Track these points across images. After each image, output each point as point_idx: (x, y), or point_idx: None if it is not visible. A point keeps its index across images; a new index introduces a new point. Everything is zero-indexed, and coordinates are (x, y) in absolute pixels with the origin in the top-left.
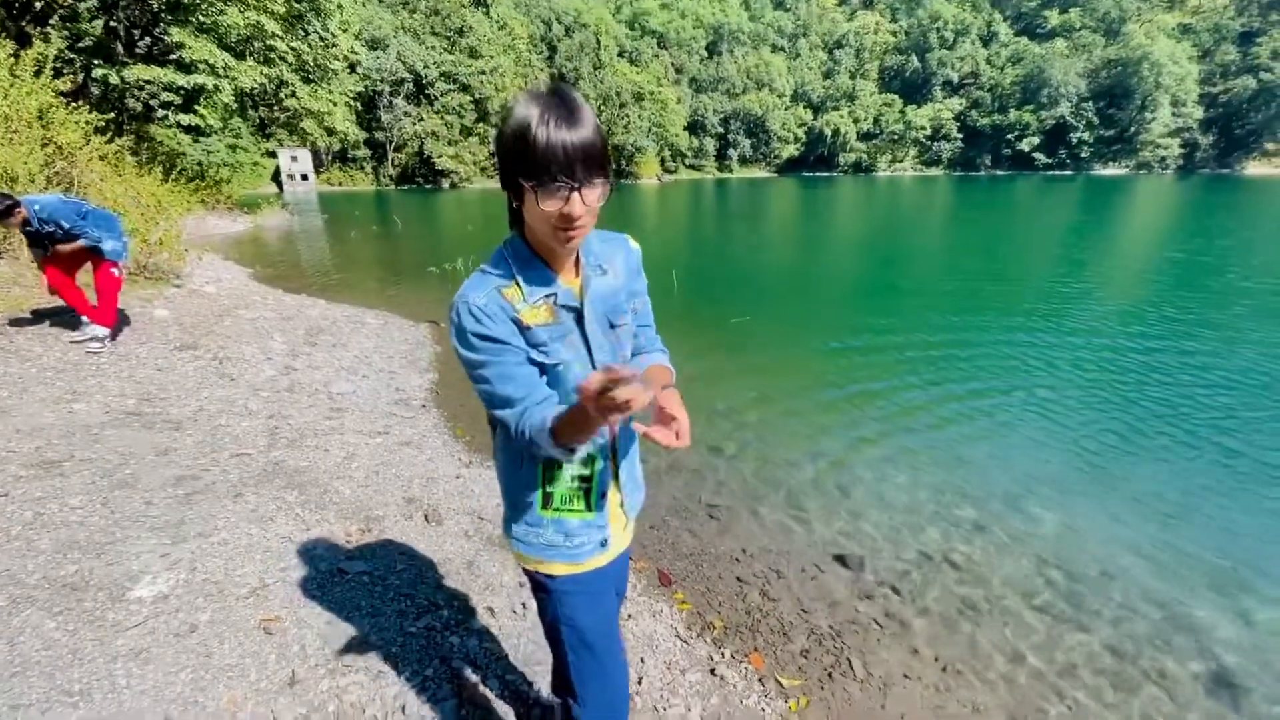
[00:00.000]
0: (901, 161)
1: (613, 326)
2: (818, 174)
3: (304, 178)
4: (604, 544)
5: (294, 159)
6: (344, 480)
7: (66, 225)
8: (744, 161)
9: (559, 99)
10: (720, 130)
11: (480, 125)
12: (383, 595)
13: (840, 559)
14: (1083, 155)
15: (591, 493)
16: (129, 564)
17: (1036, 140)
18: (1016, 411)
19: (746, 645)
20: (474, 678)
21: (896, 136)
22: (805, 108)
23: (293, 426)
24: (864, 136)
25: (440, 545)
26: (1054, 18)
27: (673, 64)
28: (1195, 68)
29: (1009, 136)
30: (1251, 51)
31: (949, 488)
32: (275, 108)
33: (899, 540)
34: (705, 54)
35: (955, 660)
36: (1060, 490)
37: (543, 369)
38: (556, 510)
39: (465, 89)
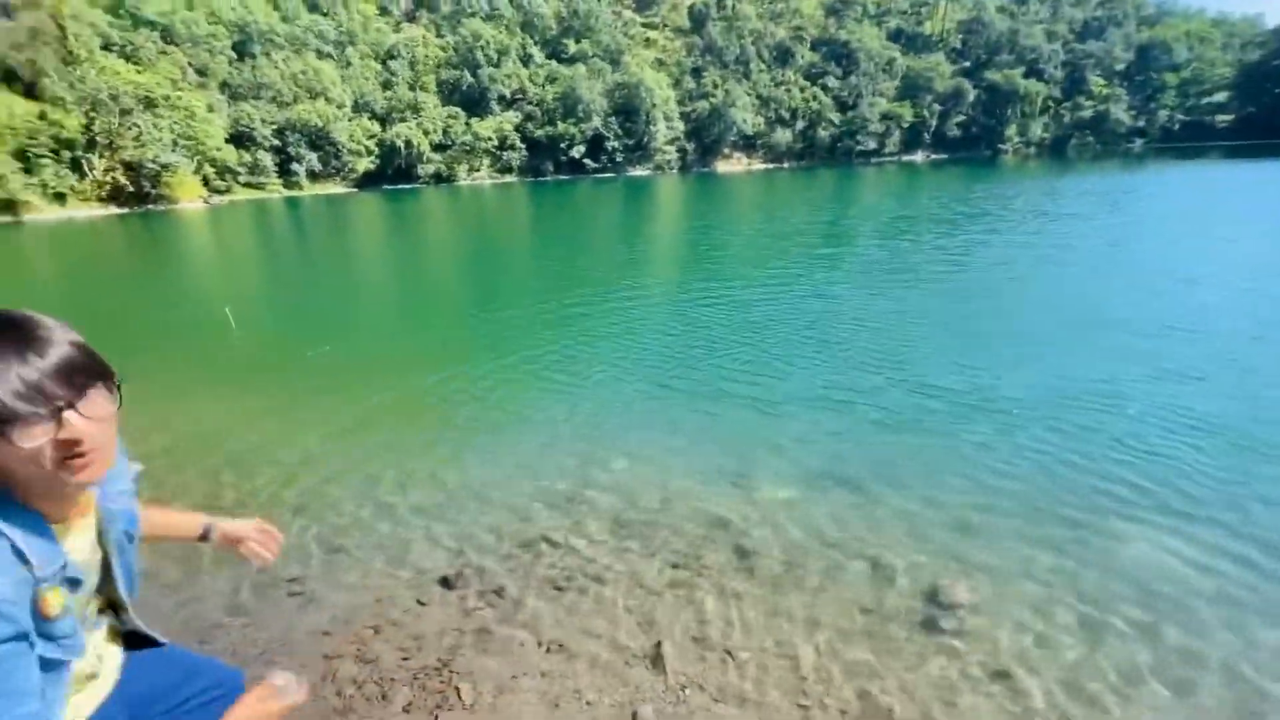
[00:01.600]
0: (478, 170)
1: (131, 540)
2: (399, 186)
3: None
4: None
5: None
6: None
7: None
8: (314, 177)
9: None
10: (277, 143)
11: None
12: None
13: (444, 581)
14: (618, 160)
15: None
16: None
17: (583, 149)
18: (610, 384)
19: None
20: None
21: (469, 147)
22: (371, 119)
23: None
24: (438, 148)
25: None
26: (573, 45)
27: (190, 64)
28: (672, 92)
29: (562, 145)
30: (701, 82)
31: (545, 472)
32: None
33: (499, 539)
34: (235, 55)
35: (556, 637)
36: (634, 446)
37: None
38: None
39: None
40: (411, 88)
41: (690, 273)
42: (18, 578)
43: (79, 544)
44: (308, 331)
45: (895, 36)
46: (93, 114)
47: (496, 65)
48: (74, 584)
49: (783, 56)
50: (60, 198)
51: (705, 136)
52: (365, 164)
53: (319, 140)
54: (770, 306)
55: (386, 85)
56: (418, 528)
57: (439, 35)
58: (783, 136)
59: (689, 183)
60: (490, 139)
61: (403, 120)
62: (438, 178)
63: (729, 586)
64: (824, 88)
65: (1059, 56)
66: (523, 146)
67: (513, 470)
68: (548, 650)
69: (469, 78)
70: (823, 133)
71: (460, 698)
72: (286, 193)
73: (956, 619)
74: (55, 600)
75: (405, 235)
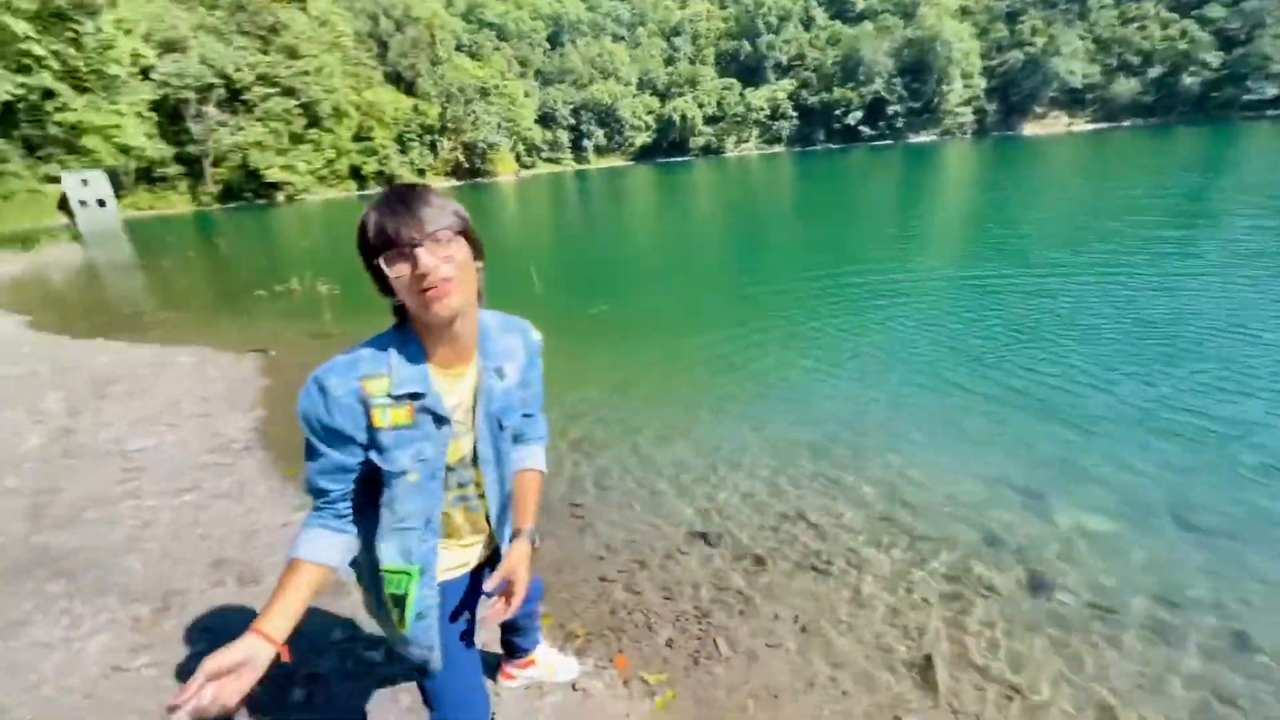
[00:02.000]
0: (747, 141)
1: (501, 428)
2: (672, 159)
3: (101, 204)
4: (420, 617)
5: (84, 183)
6: (135, 554)
7: None
8: (600, 151)
9: (394, 191)
10: (572, 121)
11: (313, 131)
12: (173, 687)
13: (703, 537)
14: (899, 126)
15: (406, 613)
16: None
17: (860, 115)
18: (867, 369)
19: (611, 648)
20: None
21: (739, 118)
22: (652, 95)
23: (66, 500)
24: (710, 120)
25: (255, 609)
26: (860, 2)
27: (515, 57)
28: (976, 44)
29: (836, 112)
30: (1017, 29)
31: (805, 449)
32: (45, 123)
33: (758, 508)
34: (548, 45)
35: (815, 619)
36: (904, 437)
37: (377, 471)
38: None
39: (289, 92)
40: (691, 61)
41: (982, 252)
42: (358, 390)
43: (454, 389)
44: (592, 290)
45: None
46: (446, 104)
47: (776, 32)
48: (431, 414)
49: None
50: (420, 173)
51: (1013, 94)
52: (643, 138)
53: (606, 117)
54: (1092, 299)
55: (669, 61)
56: (678, 481)
57: (722, 7)
58: (1125, 87)
59: (986, 148)
60: (762, 108)
61: (680, 95)
62: (706, 150)
63: (1018, 616)
64: (1201, 19)
65: None
66: (794, 115)
67: (771, 442)
68: (804, 630)
69: (747, 47)
70: (1189, 80)
71: (718, 649)
72: (576, 166)
73: None
74: (393, 416)
75: (675, 204)
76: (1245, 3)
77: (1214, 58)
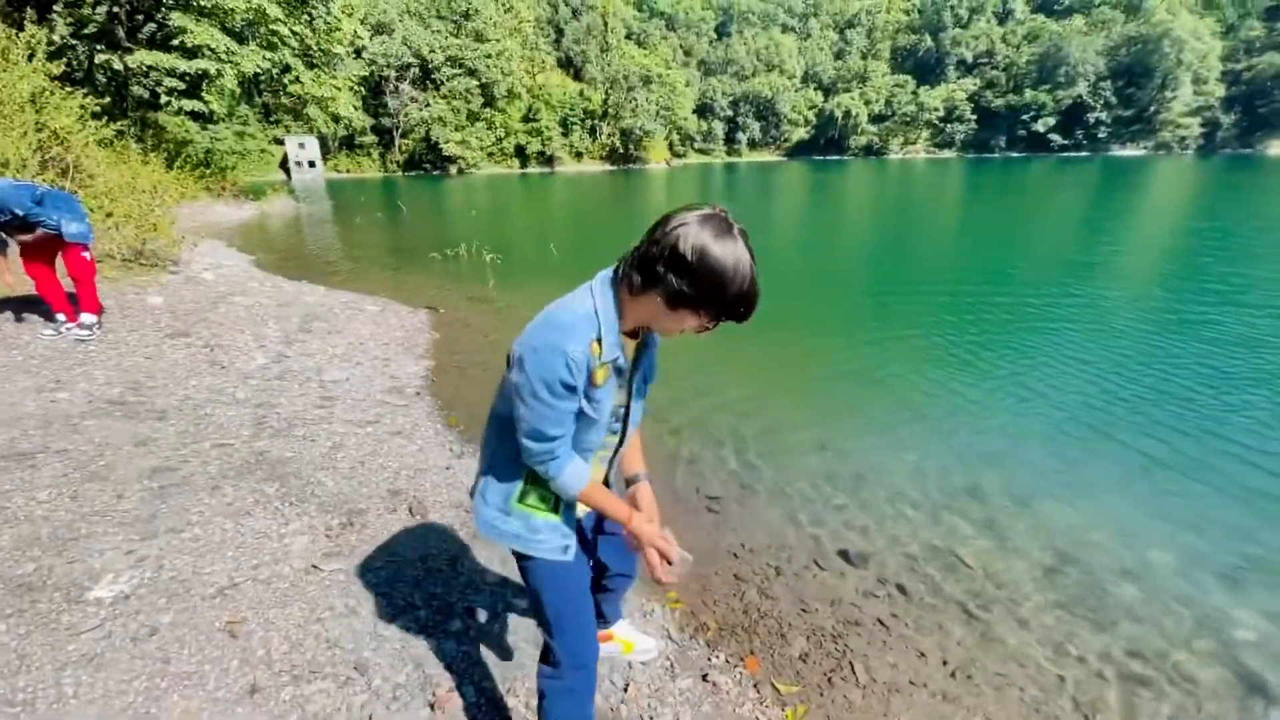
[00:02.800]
0: (914, 144)
1: (646, 383)
2: (828, 157)
3: (311, 165)
4: (566, 550)
5: (301, 146)
6: (328, 471)
7: (20, 212)
8: (753, 145)
9: (748, 243)
10: (729, 113)
11: (487, 110)
12: (358, 595)
13: (844, 554)
14: (1100, 136)
15: (560, 503)
16: (91, 561)
17: (1052, 121)
18: (1032, 405)
19: (743, 648)
20: (448, 684)
21: (909, 118)
22: (816, 89)
23: (280, 415)
24: (875, 119)
25: (423, 540)
26: None
27: (681, 46)
28: (1219, 44)
29: (1024, 117)
30: (1278, 28)
31: (959, 481)
32: (280, 93)
33: (906, 535)
34: (714, 35)
35: (965, 665)
36: (1074, 487)
37: (579, 414)
38: (529, 506)
39: (472, 73)
40: (864, 56)
41: (1183, 290)
42: (588, 352)
43: (628, 351)
44: None
45: None
46: (610, 90)
47: (965, 26)
48: (619, 372)
49: None
50: (579, 155)
51: (1260, 104)
52: (800, 133)
53: (764, 110)
54: None
55: (839, 55)
56: (821, 492)
57: None
58: None
59: (1212, 167)
60: (936, 109)
61: (846, 90)
62: (868, 150)
63: (1221, 715)
64: None
65: None
66: (972, 118)
67: (920, 469)
68: (952, 674)
69: (928, 42)
70: None
71: (855, 674)
72: (727, 158)
73: None
74: (602, 375)
75: (827, 204)
76: None
77: None
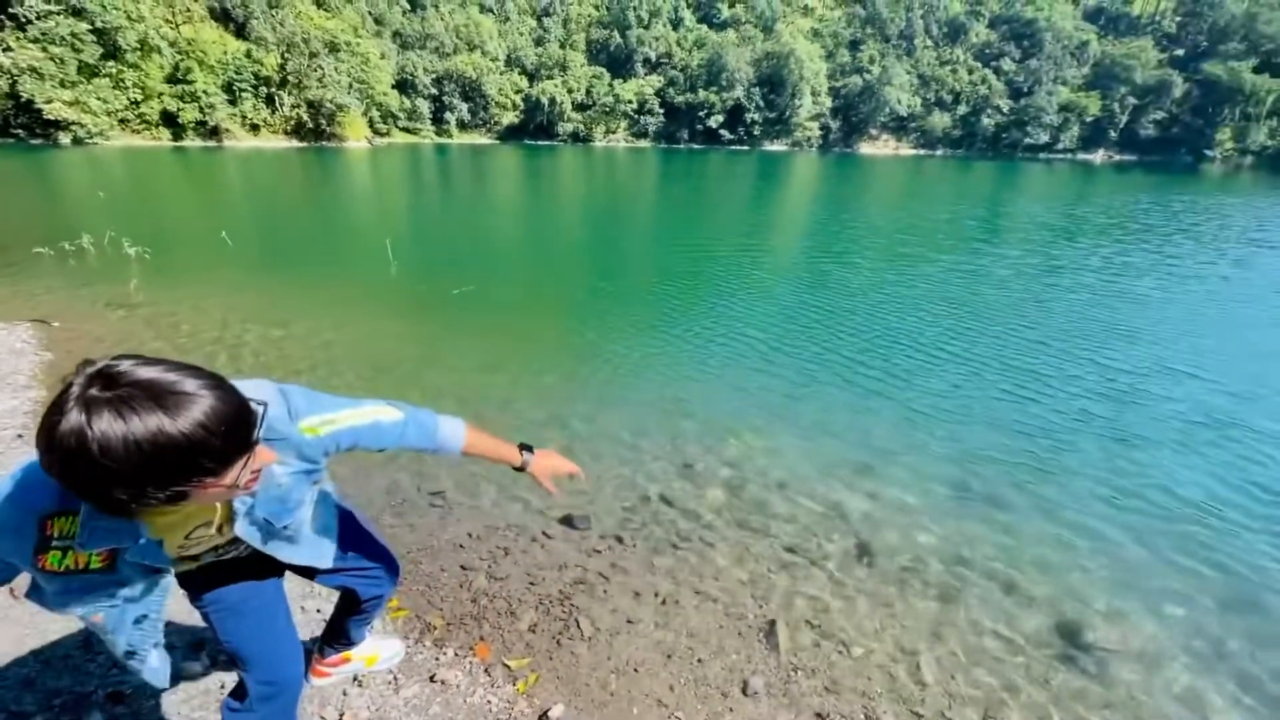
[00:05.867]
0: (615, 133)
1: (276, 530)
2: (540, 142)
3: None
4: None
5: None
6: None
7: None
8: (463, 126)
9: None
10: (434, 92)
11: (111, 64)
12: None
13: (567, 520)
14: (755, 133)
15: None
16: None
17: (721, 118)
18: (711, 358)
19: (472, 636)
20: None
21: (608, 109)
22: (520, 74)
23: None
24: (579, 107)
25: (32, 625)
26: (725, 10)
27: (370, 13)
28: (824, 65)
29: (700, 114)
30: (858, 56)
31: (660, 432)
32: None
33: (620, 491)
34: (407, 6)
35: (672, 592)
36: (747, 422)
37: None
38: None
39: (78, 13)
40: (562, 45)
41: (825, 257)
42: (30, 528)
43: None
44: (453, 269)
45: (1094, 16)
46: (287, 55)
47: (646, 26)
48: (135, 566)
49: (954, 33)
50: (255, 129)
51: (853, 115)
52: (510, 117)
53: (471, 92)
54: (912, 301)
55: (539, 42)
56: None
57: None
58: (939, 121)
59: (828, 162)
60: (630, 102)
61: (549, 77)
62: (575, 136)
63: (848, 580)
64: (997, 70)
65: None
66: (660, 112)
67: (631, 428)
68: (663, 603)
69: (618, 38)
70: (987, 120)
71: (580, 630)
72: (437, 139)
73: (1096, 663)
74: (59, 560)
75: (542, 188)
76: (1029, 60)
77: (1005, 104)
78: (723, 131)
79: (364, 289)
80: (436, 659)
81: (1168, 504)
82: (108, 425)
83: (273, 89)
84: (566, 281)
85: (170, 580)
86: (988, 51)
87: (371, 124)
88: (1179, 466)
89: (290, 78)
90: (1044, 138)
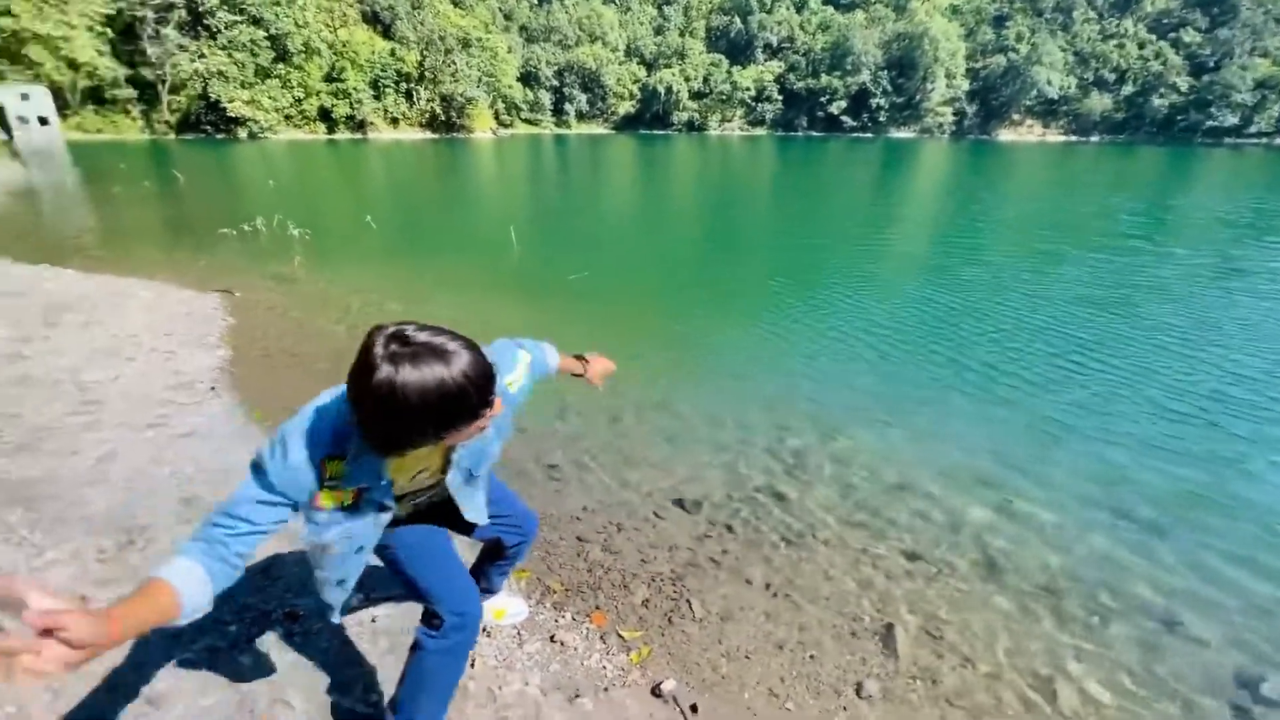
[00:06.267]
0: (730, 121)
1: (473, 477)
2: (655, 131)
3: (43, 121)
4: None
5: (24, 97)
6: (98, 486)
7: None
8: (581, 117)
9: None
10: (555, 83)
11: (280, 66)
12: None
13: (679, 503)
14: (881, 119)
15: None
16: None
17: (844, 104)
18: (840, 349)
19: (589, 604)
20: (269, 697)
21: (725, 96)
22: (639, 64)
23: (23, 427)
24: (695, 95)
25: None
26: None
27: (501, 9)
28: (963, 45)
29: (821, 100)
30: (1003, 34)
31: (776, 426)
32: None
33: (732, 479)
34: (535, 1)
35: (784, 585)
36: (873, 425)
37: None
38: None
39: (257, 22)
40: (681, 33)
41: (952, 252)
42: (311, 474)
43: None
44: (570, 255)
45: None
46: (425, 52)
47: (769, 11)
48: (373, 504)
49: (1123, 2)
50: (394, 122)
51: (993, 98)
52: (626, 107)
53: (590, 82)
54: (1049, 304)
55: (658, 30)
56: (656, 449)
57: None
58: (1098, 103)
59: (963, 150)
60: (748, 89)
61: (667, 66)
62: (690, 125)
63: (975, 592)
64: (1176, 44)
65: None
66: (779, 99)
67: (745, 417)
68: (774, 595)
69: (738, 24)
70: (1158, 101)
71: (691, 610)
72: (556, 130)
73: (1271, 715)
74: (330, 499)
75: (655, 177)
76: (1219, 30)
77: (1184, 82)
78: (845, 118)
79: (490, 272)
80: (556, 621)
81: None
82: (410, 374)
83: (411, 84)
84: (676, 270)
85: (387, 518)
86: (1165, 22)
87: (496, 116)
88: None
89: (427, 73)
90: (1233, 119)
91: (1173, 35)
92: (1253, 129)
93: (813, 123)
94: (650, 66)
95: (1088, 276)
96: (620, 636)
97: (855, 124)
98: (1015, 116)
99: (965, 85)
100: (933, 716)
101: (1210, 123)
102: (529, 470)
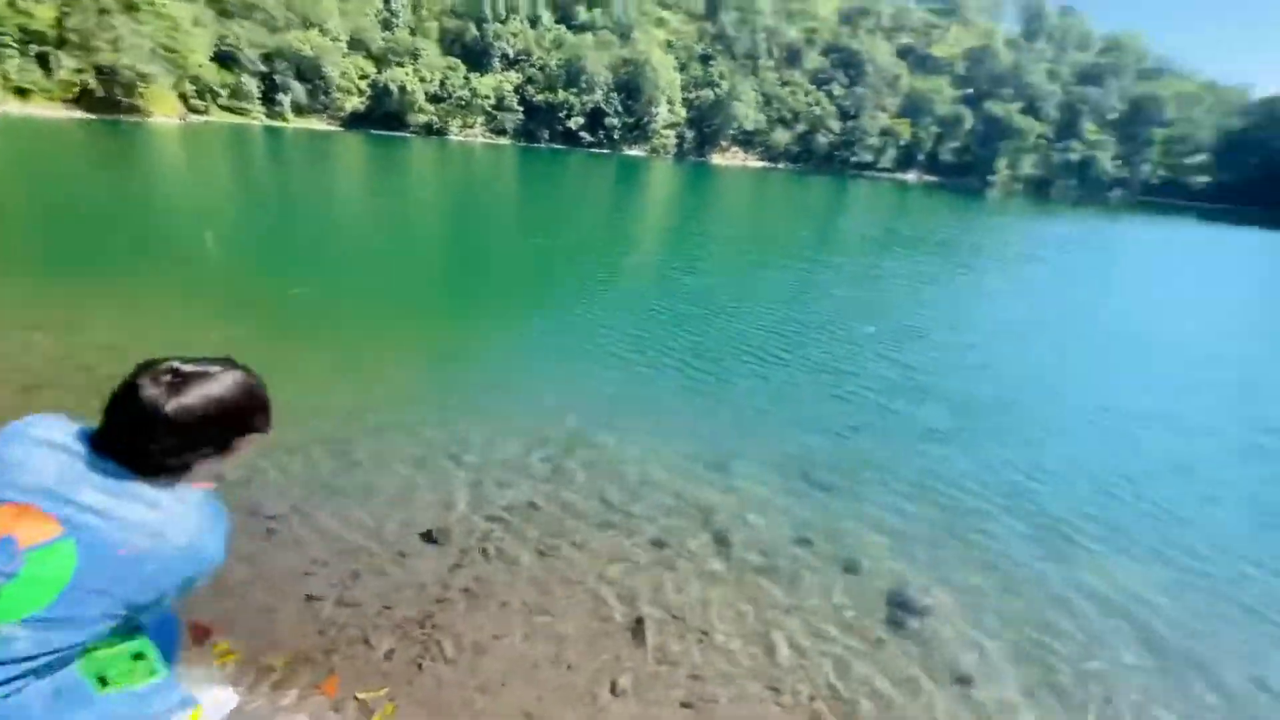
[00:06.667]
0: (472, 128)
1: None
2: (390, 132)
3: None
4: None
5: None
6: None
7: None
8: (300, 110)
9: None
10: (263, 69)
11: None
12: None
13: (426, 535)
14: (615, 137)
15: None
16: None
17: (581, 120)
18: (579, 357)
19: (320, 671)
20: None
21: (465, 102)
22: (366, 57)
23: None
24: (433, 99)
25: None
26: (583, 12)
27: None
28: (678, 76)
29: (560, 115)
30: (708, 71)
31: (519, 436)
32: None
33: (481, 499)
34: None
35: (540, 602)
36: (610, 426)
37: None
38: None
39: None
40: (412, 32)
41: (690, 266)
42: None
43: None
44: (288, 267)
45: (904, 54)
46: (67, 9)
47: (504, 21)
48: None
49: (792, 57)
50: (22, 93)
51: (705, 126)
52: (354, 103)
53: (308, 72)
54: (749, 309)
55: (386, 25)
56: (397, 479)
57: None
58: (782, 137)
59: (683, 170)
60: (488, 97)
61: (399, 65)
62: (429, 129)
63: (708, 570)
64: (829, 94)
65: (1056, 97)
66: (520, 109)
67: (493, 432)
68: (531, 613)
69: (473, 30)
70: (821, 139)
71: (442, 651)
72: (268, 122)
73: (920, 621)
74: None
75: (391, 182)
76: (855, 88)
77: (836, 125)
78: (583, 134)
79: (178, 290)
80: (276, 704)
81: (954, 486)
82: (179, 396)
83: (47, 47)
84: (415, 283)
85: None
86: (820, 76)
87: (185, 99)
88: (960, 454)
89: (71, 36)
90: (868, 157)
91: (826, 87)
92: (881, 165)
93: (554, 135)
94: (380, 62)
95: (778, 284)
96: (359, 700)
97: (593, 139)
98: (724, 143)
99: (683, 113)
100: (679, 695)
101: (855, 158)
102: (241, 525)
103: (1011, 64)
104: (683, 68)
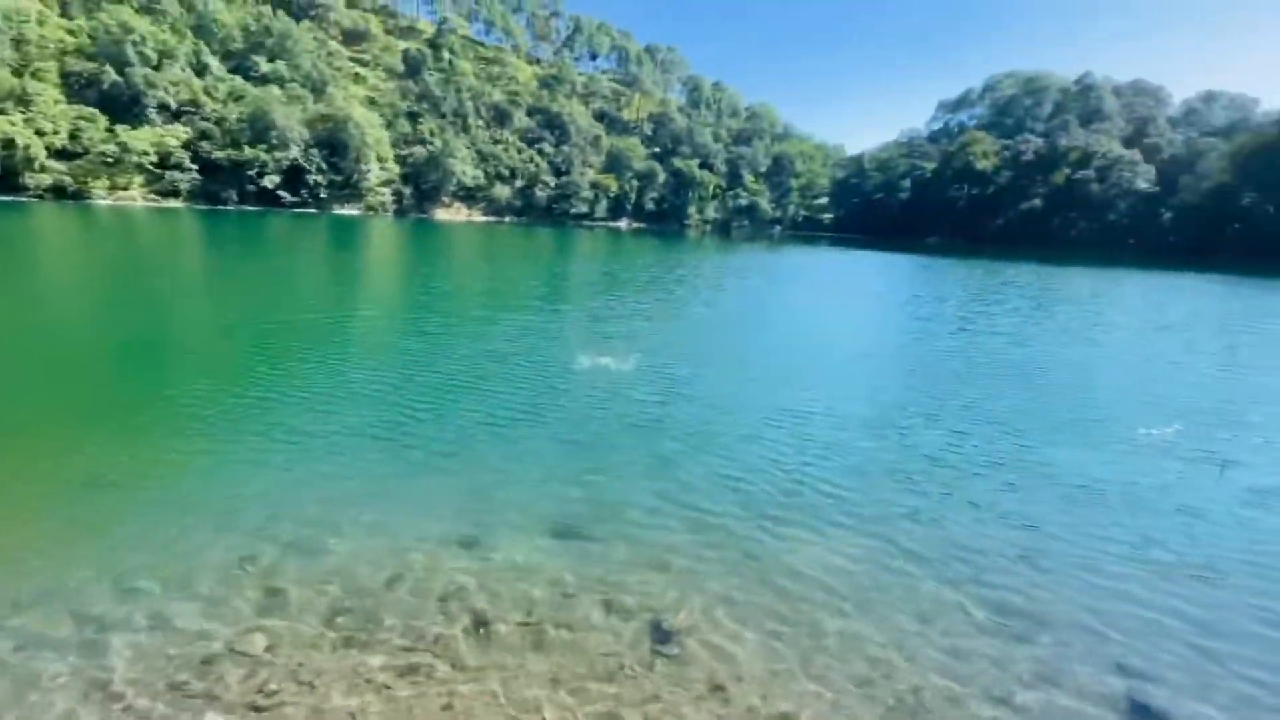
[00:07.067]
0: (127, 189)
1: None
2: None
3: None
4: None
5: None
6: None
7: None
8: None
9: None
10: None
11: None
12: None
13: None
14: (322, 196)
15: None
16: None
17: (278, 179)
18: (277, 448)
19: None
20: None
21: (112, 159)
22: None
23: None
24: (62, 154)
25: None
26: (264, 64)
27: None
28: (386, 134)
29: (250, 172)
30: (418, 128)
31: (216, 557)
32: None
33: (161, 662)
34: None
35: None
36: (345, 520)
37: None
38: None
39: None
40: (18, 73)
41: (413, 325)
42: None
43: None
44: None
45: (600, 117)
46: None
47: (156, 68)
48: None
49: (501, 117)
50: None
51: (423, 183)
52: None
53: None
54: (474, 365)
55: None
56: (44, 646)
57: (65, 15)
58: (503, 192)
59: (403, 228)
60: (147, 153)
61: (2, 112)
62: (60, 191)
63: (468, 661)
64: (540, 152)
65: (722, 155)
66: (194, 167)
67: (185, 559)
68: None
69: (114, 75)
70: (540, 193)
71: None
72: None
73: (678, 644)
74: None
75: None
76: (563, 147)
77: (551, 180)
78: (282, 193)
79: None
80: None
81: (690, 507)
82: None
83: None
84: (68, 380)
85: None
86: (529, 135)
87: None
88: (690, 470)
89: None
90: (584, 208)
91: (537, 145)
92: (596, 215)
93: (245, 196)
94: None
95: (506, 334)
96: None
97: (295, 199)
98: (445, 199)
99: (397, 170)
100: None
101: (572, 210)
102: None
103: (685, 127)
104: (389, 125)
